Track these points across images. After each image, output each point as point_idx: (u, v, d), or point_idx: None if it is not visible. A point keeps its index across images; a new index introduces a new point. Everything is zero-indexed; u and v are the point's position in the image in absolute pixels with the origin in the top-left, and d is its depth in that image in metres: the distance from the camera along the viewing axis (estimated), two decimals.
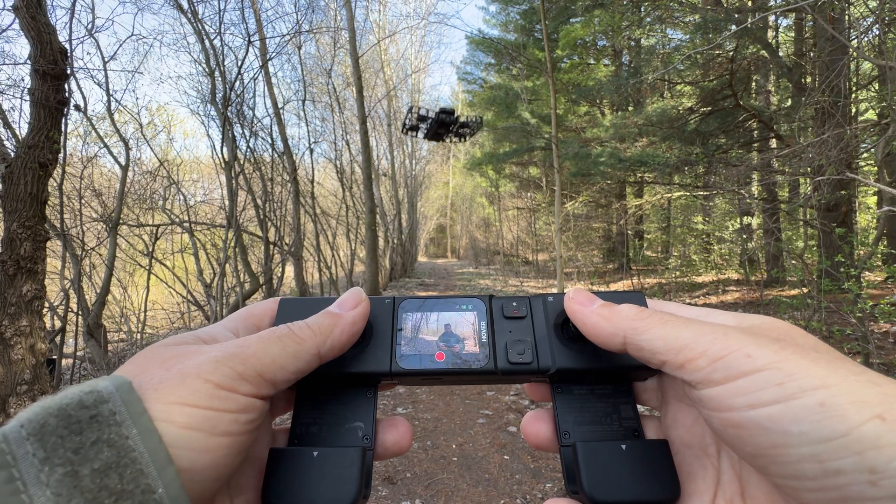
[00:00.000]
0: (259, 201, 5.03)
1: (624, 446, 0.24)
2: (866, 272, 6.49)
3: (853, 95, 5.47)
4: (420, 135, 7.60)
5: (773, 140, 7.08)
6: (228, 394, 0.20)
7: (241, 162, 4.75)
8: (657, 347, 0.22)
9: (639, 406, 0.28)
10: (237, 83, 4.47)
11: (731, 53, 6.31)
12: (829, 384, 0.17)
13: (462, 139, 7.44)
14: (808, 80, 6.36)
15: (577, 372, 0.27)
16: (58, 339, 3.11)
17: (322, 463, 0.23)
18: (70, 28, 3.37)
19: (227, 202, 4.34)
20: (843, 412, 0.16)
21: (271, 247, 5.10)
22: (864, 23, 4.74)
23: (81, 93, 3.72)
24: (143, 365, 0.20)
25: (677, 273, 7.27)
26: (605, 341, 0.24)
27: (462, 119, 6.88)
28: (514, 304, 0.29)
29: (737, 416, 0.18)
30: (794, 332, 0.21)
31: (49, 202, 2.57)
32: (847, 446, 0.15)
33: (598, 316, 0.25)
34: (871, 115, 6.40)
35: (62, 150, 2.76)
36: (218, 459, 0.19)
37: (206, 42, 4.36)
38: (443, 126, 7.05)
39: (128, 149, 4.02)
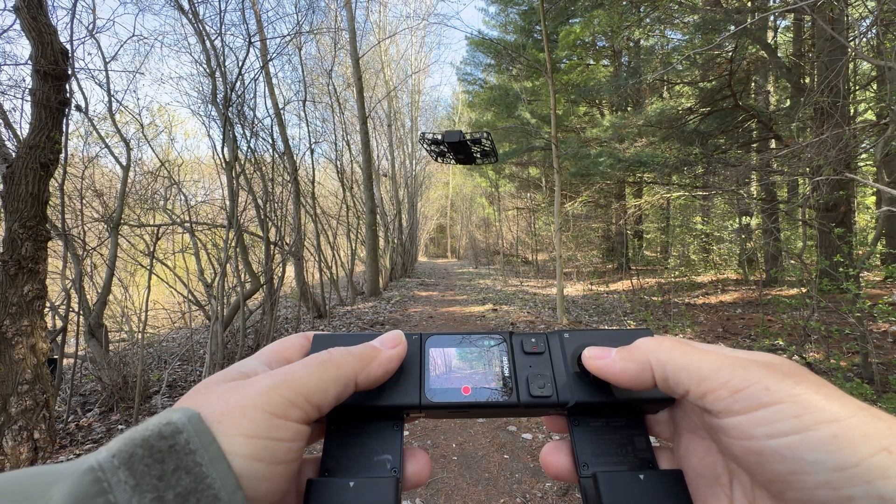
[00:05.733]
0: (260, 201, 5.04)
1: (642, 476, 0.25)
2: (865, 272, 6.50)
3: (852, 96, 5.48)
4: (451, 158, 7.62)
5: (773, 140, 7.09)
6: (283, 422, 0.21)
7: (242, 162, 4.75)
8: (681, 378, 0.23)
9: (651, 438, 0.29)
10: (238, 84, 4.47)
11: (731, 54, 6.32)
12: (840, 418, 0.18)
13: (485, 158, 7.52)
14: (807, 80, 6.38)
15: (593, 405, 0.28)
16: (59, 338, 3.11)
17: (358, 493, 0.24)
18: (71, 29, 3.37)
19: (227, 202, 4.35)
20: (854, 444, 0.17)
21: (272, 247, 5.10)
22: (863, 23, 4.75)
23: (83, 93, 3.73)
24: (202, 399, 0.22)
25: (676, 273, 7.29)
26: (636, 380, 0.25)
27: (468, 137, 6.89)
28: (533, 340, 0.31)
29: (757, 444, 0.20)
30: (803, 369, 0.22)
31: (50, 202, 2.58)
32: (859, 476, 0.17)
33: (621, 361, 0.26)
34: (869, 115, 6.41)
35: (63, 151, 2.77)
36: (274, 486, 0.21)
37: (207, 43, 4.37)
38: (460, 149, 7.09)
39: (129, 149, 4.03)
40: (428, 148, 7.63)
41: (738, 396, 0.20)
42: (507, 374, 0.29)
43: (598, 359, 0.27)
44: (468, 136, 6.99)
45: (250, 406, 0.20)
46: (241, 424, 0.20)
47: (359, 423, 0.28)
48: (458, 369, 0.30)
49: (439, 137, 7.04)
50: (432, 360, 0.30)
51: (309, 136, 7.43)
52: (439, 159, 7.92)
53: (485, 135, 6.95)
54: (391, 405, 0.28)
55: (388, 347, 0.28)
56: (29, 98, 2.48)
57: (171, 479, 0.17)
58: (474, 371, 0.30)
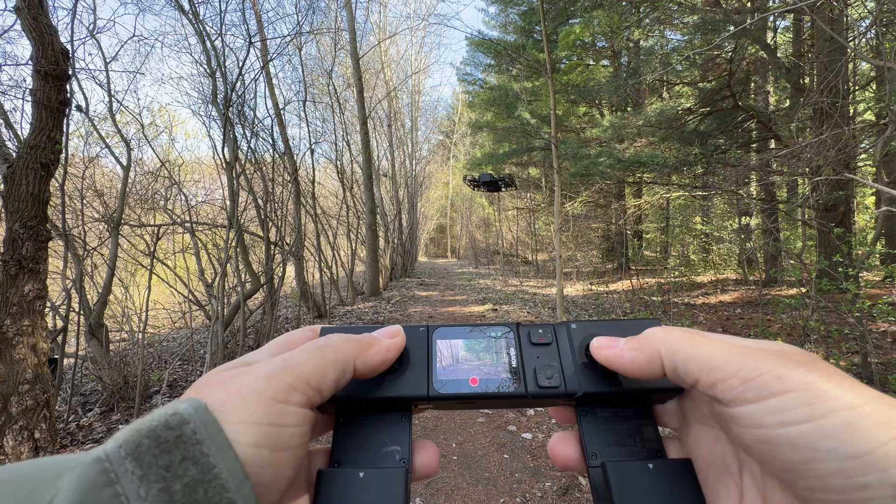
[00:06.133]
0: (260, 201, 5.04)
1: (651, 465, 0.25)
2: (864, 272, 6.50)
3: (851, 96, 5.48)
4: (484, 189, 11.79)
5: (772, 140, 7.10)
6: (284, 407, 0.21)
7: (243, 162, 4.75)
8: (690, 368, 0.22)
9: (659, 427, 0.29)
10: (238, 84, 4.48)
11: (730, 54, 6.32)
12: (853, 406, 0.18)
13: (507, 188, 11.71)
14: (807, 80, 6.38)
15: (601, 395, 0.28)
16: (59, 338, 3.11)
17: (367, 484, 0.25)
18: (72, 29, 3.38)
19: (228, 202, 4.35)
20: (867, 432, 0.17)
21: (272, 247, 5.11)
22: (863, 24, 4.76)
23: (83, 93, 3.73)
24: (207, 389, 0.22)
25: (676, 273, 7.29)
26: (645, 369, 0.25)
27: (497, 177, 10.98)
28: (541, 331, 0.31)
29: (768, 433, 0.20)
30: (815, 357, 0.22)
31: (51, 202, 2.59)
32: (872, 463, 0.17)
33: (630, 351, 0.26)
34: (869, 115, 6.42)
35: (64, 151, 2.77)
36: (279, 472, 0.20)
37: (208, 43, 4.37)
38: (491, 185, 11.11)
39: (129, 149, 4.03)
40: (468, 183, 11.74)
41: (749, 385, 0.20)
42: (514, 365, 0.29)
43: (607, 349, 0.27)
44: (497, 177, 10.99)
45: (250, 392, 0.20)
46: (242, 411, 0.20)
47: (367, 414, 0.28)
48: (466, 360, 0.30)
49: (476, 177, 11.15)
50: (440, 352, 0.30)
51: (309, 136, 7.44)
52: (475, 189, 12.03)
53: (508, 175, 11.02)
54: (399, 397, 0.28)
55: (386, 338, 0.28)
56: (30, 98, 2.49)
57: (178, 470, 0.17)
58: (482, 362, 0.30)
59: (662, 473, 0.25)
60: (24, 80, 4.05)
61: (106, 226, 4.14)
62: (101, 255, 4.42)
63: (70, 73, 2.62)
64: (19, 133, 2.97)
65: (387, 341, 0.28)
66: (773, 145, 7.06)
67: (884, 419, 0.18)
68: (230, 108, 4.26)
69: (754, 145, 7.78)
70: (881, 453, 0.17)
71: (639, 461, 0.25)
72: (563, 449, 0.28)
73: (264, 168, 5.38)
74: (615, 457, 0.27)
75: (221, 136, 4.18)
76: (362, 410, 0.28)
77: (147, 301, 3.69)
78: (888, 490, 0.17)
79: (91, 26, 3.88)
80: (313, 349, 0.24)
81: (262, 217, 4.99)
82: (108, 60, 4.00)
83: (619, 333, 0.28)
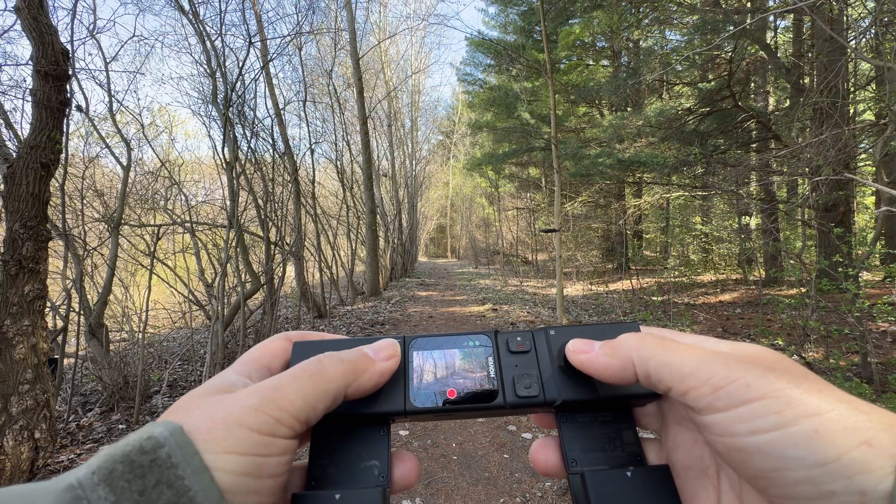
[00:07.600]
0: (260, 201, 5.04)
1: (629, 473, 0.25)
2: (864, 272, 6.50)
3: (851, 96, 5.49)
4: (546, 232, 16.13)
5: (772, 140, 7.10)
6: (271, 439, 0.21)
7: (243, 162, 4.75)
8: (663, 375, 0.23)
9: (639, 430, 0.29)
10: (238, 84, 4.48)
11: (730, 54, 6.33)
12: (821, 412, 0.18)
13: (556, 231, 14.58)
14: (807, 80, 6.39)
15: (581, 402, 0.28)
16: (60, 338, 3.11)
17: None
18: (72, 29, 3.38)
19: (228, 202, 4.35)
20: (834, 438, 0.17)
21: (272, 247, 5.11)
22: (863, 23, 4.76)
23: (83, 93, 3.72)
24: (185, 413, 0.22)
25: (676, 273, 7.29)
26: (618, 375, 0.25)
27: (554, 227, 14.44)
28: (519, 338, 0.31)
29: (739, 441, 0.20)
30: (786, 361, 0.22)
31: (51, 202, 2.59)
32: (839, 470, 0.17)
33: (604, 356, 0.26)
34: (869, 115, 6.42)
35: (64, 151, 2.77)
36: (263, 499, 0.21)
37: (208, 43, 4.37)
38: (549, 231, 14.61)
39: (129, 149, 4.03)
40: (544, 231, 16.62)
41: (720, 394, 0.20)
42: (492, 375, 0.29)
43: (582, 353, 0.27)
44: (553, 227, 15.18)
45: (236, 423, 0.20)
46: (227, 442, 0.20)
47: (344, 430, 0.28)
48: (444, 372, 0.29)
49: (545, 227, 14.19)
50: (417, 364, 0.30)
51: (309, 136, 7.45)
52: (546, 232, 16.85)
53: (558, 227, 14.26)
54: (375, 412, 0.27)
55: (381, 359, 0.27)
56: (30, 98, 2.49)
57: (152, 494, 0.17)
58: (460, 373, 0.29)
59: (640, 481, 0.25)
60: (24, 80, 4.05)
61: (106, 226, 4.14)
62: (101, 255, 4.42)
63: (70, 73, 2.62)
64: (19, 133, 2.97)
65: (381, 365, 0.27)
66: (773, 145, 7.06)
67: (850, 425, 0.18)
68: (230, 108, 4.26)
69: (754, 145, 7.78)
70: (847, 460, 0.17)
71: (617, 469, 0.25)
72: (544, 455, 0.28)
73: (264, 168, 5.38)
74: (595, 463, 0.27)
75: (221, 136, 4.18)
76: (339, 426, 0.28)
77: (147, 301, 3.70)
78: (854, 497, 0.17)
79: (91, 26, 3.88)
80: (305, 378, 0.23)
81: (262, 217, 4.99)
82: (108, 60, 4.00)
83: (599, 338, 0.28)
